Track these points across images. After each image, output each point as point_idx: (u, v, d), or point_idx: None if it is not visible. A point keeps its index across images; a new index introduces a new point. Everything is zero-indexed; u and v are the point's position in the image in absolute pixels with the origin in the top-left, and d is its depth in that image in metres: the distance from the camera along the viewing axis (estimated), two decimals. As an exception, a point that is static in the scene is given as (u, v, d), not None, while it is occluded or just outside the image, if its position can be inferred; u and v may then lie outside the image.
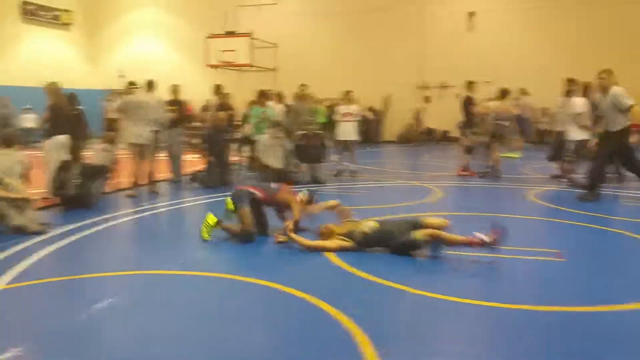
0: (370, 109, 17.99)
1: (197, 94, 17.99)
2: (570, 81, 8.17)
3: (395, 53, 17.91)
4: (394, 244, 4.22)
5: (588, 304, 3.21)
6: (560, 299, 3.30)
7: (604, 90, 6.82)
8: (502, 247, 4.04)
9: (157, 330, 2.92)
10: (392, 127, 18.57)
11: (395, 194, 7.47)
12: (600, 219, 5.65)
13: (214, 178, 8.03)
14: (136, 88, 7.44)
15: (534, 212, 6.25)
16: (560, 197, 7.21)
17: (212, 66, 17.47)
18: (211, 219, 4.81)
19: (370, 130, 18.16)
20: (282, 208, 5.07)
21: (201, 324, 3.01)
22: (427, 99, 16.43)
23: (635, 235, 4.86)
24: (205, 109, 15.63)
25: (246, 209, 4.73)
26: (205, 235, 4.76)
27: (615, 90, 6.70)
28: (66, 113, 6.94)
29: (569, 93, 8.12)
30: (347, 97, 9.40)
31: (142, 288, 3.59)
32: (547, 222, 5.71)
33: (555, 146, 8.57)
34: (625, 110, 6.47)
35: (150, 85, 7.99)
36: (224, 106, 9.07)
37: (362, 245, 4.32)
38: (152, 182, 8.04)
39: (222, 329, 2.94)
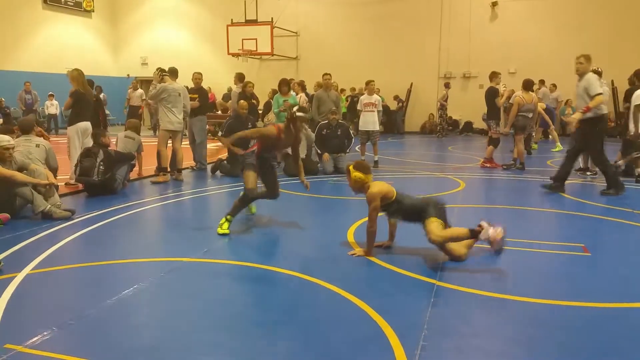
0: (395, 98, 17.87)
1: (219, 82, 18.15)
2: (595, 73, 7.93)
3: (417, 43, 17.70)
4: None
5: (614, 300, 3.15)
6: (586, 295, 3.25)
7: (581, 75, 6.89)
8: (525, 241, 3.97)
9: (184, 316, 2.97)
10: (415, 118, 18.42)
11: (417, 185, 7.41)
12: (626, 213, 5.54)
13: (237, 167, 8.07)
14: (167, 75, 7.49)
15: (558, 205, 6.15)
16: (585, 190, 7.08)
17: (234, 54, 17.52)
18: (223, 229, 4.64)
19: (393, 120, 18.06)
20: (278, 146, 4.97)
21: (228, 310, 3.04)
22: (447, 85, 16.14)
23: (664, 231, 4.76)
24: (226, 97, 15.76)
25: (249, 172, 4.73)
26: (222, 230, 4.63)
27: (590, 76, 6.78)
28: (88, 100, 7.03)
29: (579, 72, 7.89)
30: (369, 87, 9.32)
31: (167, 275, 3.64)
32: (572, 216, 5.61)
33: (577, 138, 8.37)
34: (591, 98, 6.53)
35: (174, 73, 8.04)
36: (246, 95, 9.08)
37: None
38: (178, 169, 8.15)
39: (249, 315, 2.97)
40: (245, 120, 8.25)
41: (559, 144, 11.99)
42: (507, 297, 3.22)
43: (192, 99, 8.29)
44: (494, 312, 3.03)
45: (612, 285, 3.48)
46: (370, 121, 9.17)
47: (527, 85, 9.03)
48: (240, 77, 9.95)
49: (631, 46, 15.47)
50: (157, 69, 7.58)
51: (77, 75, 6.80)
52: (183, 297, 3.28)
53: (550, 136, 13.91)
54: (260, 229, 4.98)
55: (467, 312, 3.04)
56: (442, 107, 16.24)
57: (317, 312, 3.05)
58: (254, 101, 9.14)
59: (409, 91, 18.18)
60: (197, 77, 8.79)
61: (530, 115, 9.00)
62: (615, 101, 15.46)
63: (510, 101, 9.13)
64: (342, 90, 15.53)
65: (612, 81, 14.77)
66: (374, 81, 9.43)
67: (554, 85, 15.43)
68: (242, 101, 8.42)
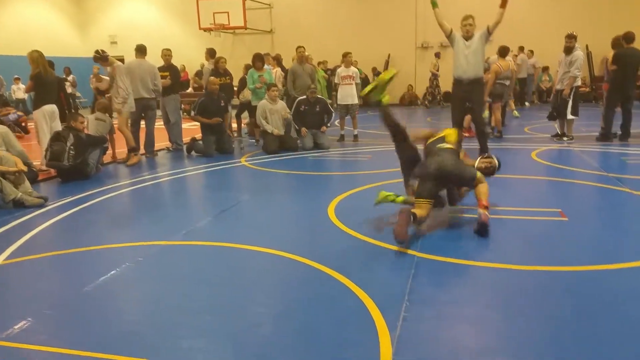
0: (374, 71, 17.72)
1: (192, 59, 17.72)
2: (570, 37, 7.99)
3: (392, 12, 17.50)
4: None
5: (590, 263, 3.21)
6: (563, 259, 3.30)
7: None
8: (504, 208, 4.00)
9: (163, 300, 2.92)
10: (394, 90, 18.32)
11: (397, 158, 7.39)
12: (601, 176, 5.63)
13: (212, 146, 7.94)
14: (101, 56, 7.25)
15: (535, 171, 6.21)
16: (561, 156, 7.17)
17: (206, 29, 17.09)
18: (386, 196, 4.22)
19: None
20: None
21: (209, 292, 3.01)
22: (438, 55, 16.05)
23: (635, 192, 4.85)
24: (199, 74, 15.40)
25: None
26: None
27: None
28: (51, 81, 6.78)
29: (568, 49, 7.97)
30: (346, 59, 9.18)
31: (146, 259, 3.58)
32: (549, 182, 5.68)
33: (555, 105, 8.46)
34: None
35: (141, 50, 7.80)
36: (219, 71, 8.87)
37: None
38: (152, 151, 7.99)
39: (231, 297, 2.94)
40: (217, 97, 8.08)
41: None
42: (486, 265, 3.25)
43: (162, 77, 8.06)
44: (473, 280, 3.06)
45: (588, 249, 3.54)
46: (348, 94, 9.06)
47: (503, 53, 9.04)
48: (211, 53, 9.71)
49: (605, 10, 15.53)
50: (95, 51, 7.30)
51: (37, 56, 6.52)
52: (162, 280, 3.23)
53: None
54: (240, 208, 4.93)
55: (447, 281, 3.06)
56: (435, 77, 16.19)
57: (298, 289, 3.04)
58: (228, 78, 8.94)
59: (387, 62, 18.04)
60: (167, 54, 8.52)
61: (507, 82, 9.02)
62: (590, 66, 15.59)
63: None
64: (320, 63, 15.33)
65: (587, 46, 14.88)
66: (350, 53, 9.28)
67: (531, 52, 15.49)
68: (212, 77, 8.22)
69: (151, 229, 4.36)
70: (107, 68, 7.39)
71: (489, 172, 4.39)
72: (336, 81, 9.33)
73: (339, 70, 9.28)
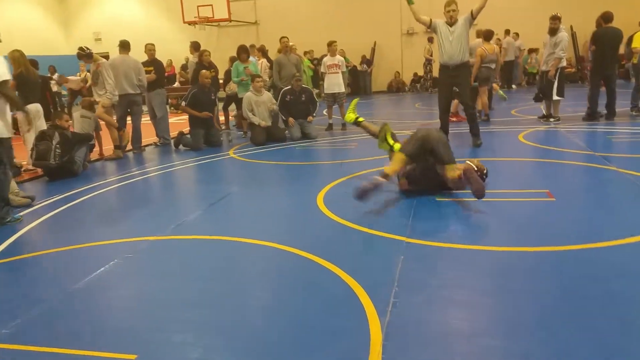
0: (363, 59, 17.66)
1: (178, 54, 17.56)
2: (555, 18, 8.00)
3: (377, 0, 17.41)
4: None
5: (578, 242, 3.23)
6: (551, 239, 3.32)
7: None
8: (492, 191, 4.02)
9: (153, 295, 2.92)
10: (381, 77, 18.30)
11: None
12: (588, 156, 5.67)
13: (200, 140, 7.90)
14: (85, 53, 7.17)
15: (522, 153, 6.24)
16: (548, 137, 7.21)
17: (190, 23, 16.93)
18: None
19: (360, 81, 17.92)
20: None
21: (199, 286, 3.00)
22: (431, 40, 16.03)
23: (621, 170, 4.89)
24: (184, 68, 15.27)
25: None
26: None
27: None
28: (34, 81, 6.68)
29: (553, 31, 7.98)
30: (331, 48, 9.14)
31: (135, 255, 3.57)
32: (536, 163, 5.71)
33: (540, 86, 8.50)
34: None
35: (124, 46, 7.72)
36: (203, 64, 8.80)
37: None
38: (139, 146, 7.95)
39: (221, 290, 2.93)
40: (208, 90, 8.05)
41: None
42: (476, 248, 3.27)
43: (147, 72, 7.99)
44: (462, 264, 3.08)
45: (576, 228, 3.57)
46: (335, 83, 9.04)
47: (488, 36, 9.03)
48: (195, 46, 9.64)
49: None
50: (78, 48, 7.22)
51: (18, 56, 6.41)
52: (151, 276, 3.22)
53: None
54: (229, 201, 4.91)
55: (436, 265, 3.07)
56: (429, 62, 16.17)
57: (288, 280, 3.04)
58: (213, 70, 8.88)
59: (373, 50, 17.98)
60: (150, 49, 8.45)
61: (493, 66, 9.03)
62: (576, 46, 15.64)
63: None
64: (306, 53, 15.25)
65: (571, 27, 14.90)
66: (336, 42, 9.24)
67: (517, 34, 15.49)
68: (204, 71, 8.16)
69: (140, 225, 4.34)
70: (92, 65, 7.30)
71: (472, 174, 4.24)
72: (322, 70, 9.29)
73: (325, 59, 9.25)
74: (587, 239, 3.29)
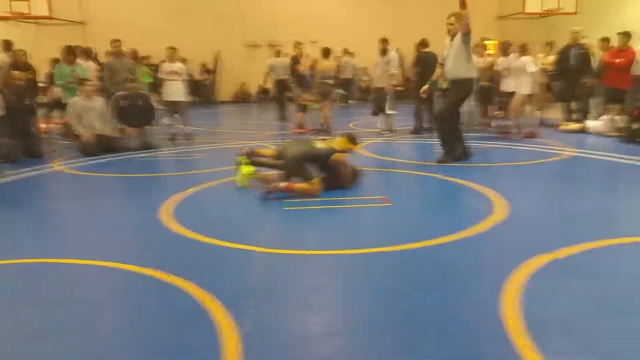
0: (204, 67, 17.24)
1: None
2: (384, 41, 8.81)
3: (218, 9, 17.29)
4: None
5: (414, 240, 3.51)
6: (392, 240, 3.56)
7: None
8: (333, 199, 4.19)
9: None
10: (226, 87, 18.14)
11: (231, 155, 7.27)
12: (416, 165, 6.29)
13: (18, 151, 6.85)
14: None
15: (360, 163, 6.64)
16: (383, 148, 7.83)
17: (2, 18, 14.75)
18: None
19: (204, 90, 17.51)
20: None
21: (36, 315, 2.57)
22: (278, 54, 16.28)
23: (445, 177, 5.51)
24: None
25: None
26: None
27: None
28: None
29: (383, 52, 8.76)
30: (170, 54, 8.74)
31: None
32: (373, 172, 6.13)
33: (376, 102, 9.23)
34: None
35: None
36: (19, 65, 7.74)
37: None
38: None
39: (63, 319, 2.52)
40: (22, 94, 7.03)
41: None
42: (325, 253, 3.35)
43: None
44: (314, 269, 3.12)
45: (409, 229, 3.89)
46: (175, 91, 8.63)
47: (325, 53, 9.53)
48: (6, 45, 8.50)
49: (410, 18, 17.47)
50: None
51: None
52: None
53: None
54: (57, 219, 4.33)
55: (289, 272, 3.07)
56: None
57: (135, 301, 2.75)
58: (29, 72, 7.86)
59: (216, 59, 17.77)
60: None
61: (332, 82, 9.55)
62: (402, 67, 17.42)
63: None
64: (143, 58, 14.36)
65: (397, 49, 16.55)
66: (174, 48, 8.86)
67: (352, 54, 16.66)
68: (15, 72, 7.13)
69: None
70: None
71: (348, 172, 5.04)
72: (161, 76, 8.83)
73: (163, 65, 8.80)
74: (420, 238, 3.59)
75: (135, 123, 7.76)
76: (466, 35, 5.82)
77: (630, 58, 8.47)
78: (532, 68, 8.07)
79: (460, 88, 6.09)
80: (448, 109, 6.32)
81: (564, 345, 2.19)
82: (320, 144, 5.17)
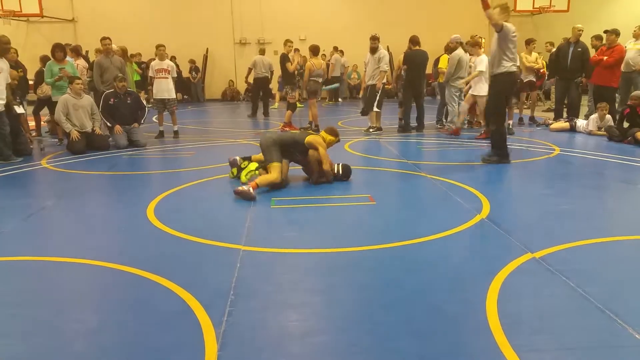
0: (191, 63, 17.17)
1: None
2: (374, 38, 8.82)
3: (209, 7, 17.25)
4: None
5: (396, 240, 3.58)
6: (374, 238, 3.63)
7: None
8: (319, 197, 4.24)
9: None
10: (215, 85, 18.10)
11: (220, 152, 7.32)
12: (401, 163, 6.36)
13: (5, 149, 6.84)
14: None
15: (347, 161, 6.70)
16: (370, 147, 7.89)
17: (-8, 15, 14.68)
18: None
19: (192, 88, 17.45)
20: None
21: (10, 312, 2.59)
22: (262, 51, 16.24)
23: (429, 176, 5.59)
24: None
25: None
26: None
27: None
28: None
29: (373, 49, 8.79)
30: (160, 52, 8.75)
31: None
32: (359, 170, 6.20)
33: (366, 100, 9.28)
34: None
35: None
36: (10, 63, 7.68)
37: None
38: None
39: (39, 317, 2.56)
40: (13, 93, 7.04)
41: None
42: (309, 251, 3.41)
43: None
44: (295, 267, 3.18)
45: (393, 227, 3.96)
46: (164, 89, 8.66)
47: (315, 51, 9.56)
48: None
49: (396, 16, 17.54)
50: None
51: None
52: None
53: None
54: (44, 216, 4.35)
55: (272, 270, 3.13)
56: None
57: (117, 299, 2.80)
58: (20, 70, 7.83)
59: (205, 57, 17.72)
60: None
61: (321, 80, 9.58)
62: (392, 65, 17.49)
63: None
64: (133, 56, 14.33)
65: (388, 47, 16.62)
66: (164, 46, 8.88)
67: (342, 52, 16.71)
68: (11, 70, 7.12)
69: None
70: None
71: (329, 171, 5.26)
72: (151, 74, 8.84)
73: (152, 63, 8.82)
74: (403, 236, 3.67)
75: (124, 121, 7.77)
76: (499, 32, 5.99)
77: (618, 56, 8.57)
78: (482, 67, 8.06)
79: (499, 83, 6.21)
80: (490, 105, 6.49)
81: (542, 343, 2.26)
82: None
